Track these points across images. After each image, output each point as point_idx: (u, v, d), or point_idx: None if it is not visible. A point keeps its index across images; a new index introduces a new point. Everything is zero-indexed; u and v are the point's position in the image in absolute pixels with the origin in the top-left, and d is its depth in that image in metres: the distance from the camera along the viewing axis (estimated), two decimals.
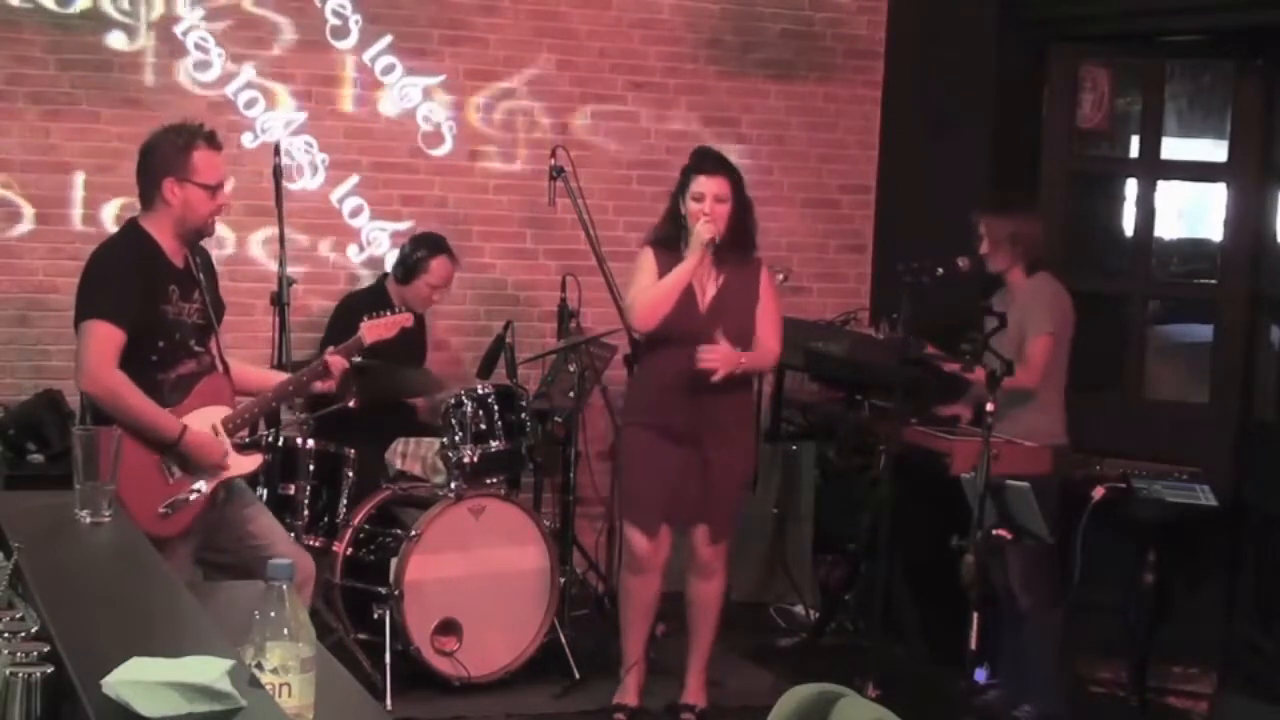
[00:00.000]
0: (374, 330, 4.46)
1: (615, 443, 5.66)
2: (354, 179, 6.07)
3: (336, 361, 4.27)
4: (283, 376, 4.26)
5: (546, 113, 6.30)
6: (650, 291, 4.59)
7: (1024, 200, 5.35)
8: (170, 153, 3.92)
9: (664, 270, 4.60)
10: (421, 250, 5.59)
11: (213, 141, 3.98)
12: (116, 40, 5.70)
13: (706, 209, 4.55)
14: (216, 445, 3.95)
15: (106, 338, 3.81)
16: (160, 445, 3.86)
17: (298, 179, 5.92)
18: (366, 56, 6.05)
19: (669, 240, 4.66)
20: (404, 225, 6.07)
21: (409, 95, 6.12)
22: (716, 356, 4.50)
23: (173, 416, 3.88)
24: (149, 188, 3.96)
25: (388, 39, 6.06)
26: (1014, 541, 4.55)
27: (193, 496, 3.91)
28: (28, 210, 5.67)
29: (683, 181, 4.64)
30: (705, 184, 4.58)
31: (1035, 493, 4.42)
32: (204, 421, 3.95)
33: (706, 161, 4.65)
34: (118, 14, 5.70)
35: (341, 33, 6.01)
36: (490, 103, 6.24)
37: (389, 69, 6.09)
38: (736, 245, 4.64)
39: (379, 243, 6.09)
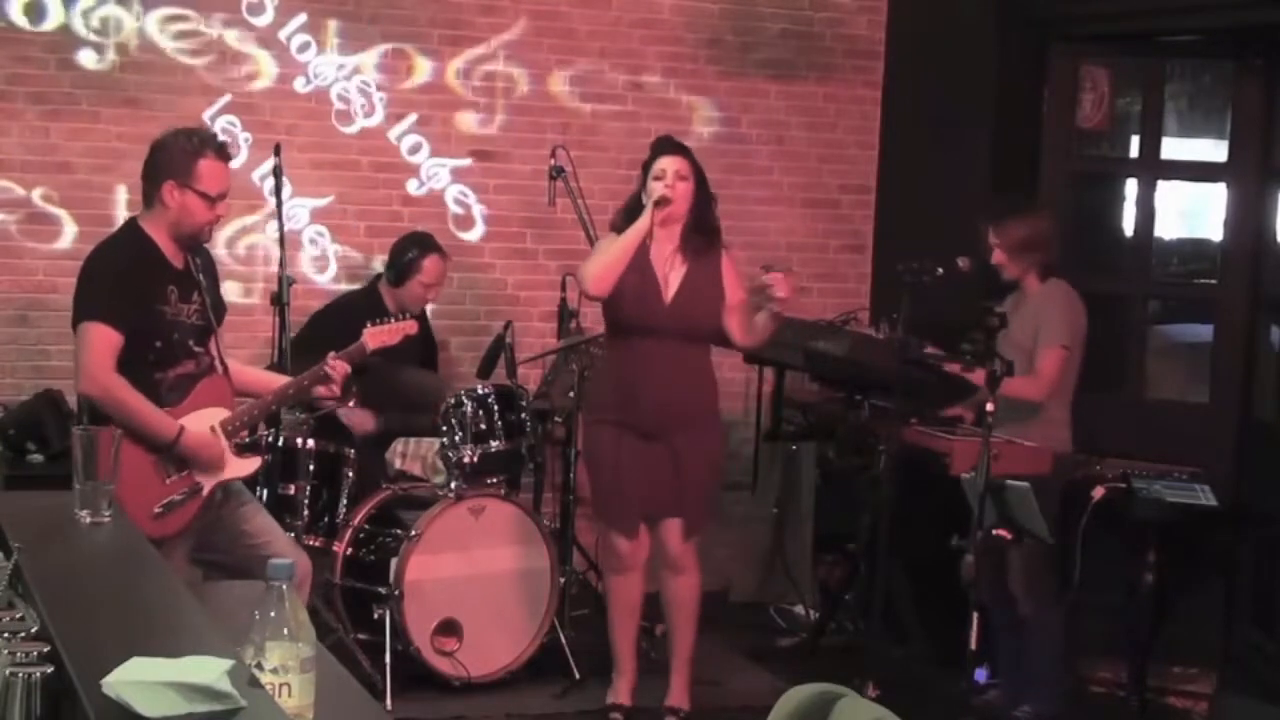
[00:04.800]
0: (377, 337, 4.44)
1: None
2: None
3: (339, 367, 4.23)
4: (281, 379, 4.25)
5: (546, 113, 6.30)
6: (601, 254, 4.55)
7: (1030, 203, 5.31)
8: (177, 155, 3.92)
9: None
10: (412, 250, 5.59)
11: (222, 152, 3.98)
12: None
13: (668, 182, 4.54)
14: (214, 443, 3.95)
15: (103, 340, 3.81)
16: (158, 447, 3.87)
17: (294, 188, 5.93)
18: (365, 57, 6.05)
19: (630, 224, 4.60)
20: (404, 225, 6.06)
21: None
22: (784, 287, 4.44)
23: (170, 418, 3.88)
24: (150, 187, 3.96)
25: (387, 38, 6.08)
26: (1014, 542, 4.55)
27: (188, 498, 3.91)
28: (29, 210, 5.68)
29: (645, 170, 4.63)
30: (666, 162, 4.58)
31: (1037, 496, 4.41)
32: (202, 423, 3.95)
33: (666, 144, 4.67)
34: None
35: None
36: (489, 103, 6.24)
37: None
38: (698, 233, 4.62)
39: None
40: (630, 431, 4.59)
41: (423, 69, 6.14)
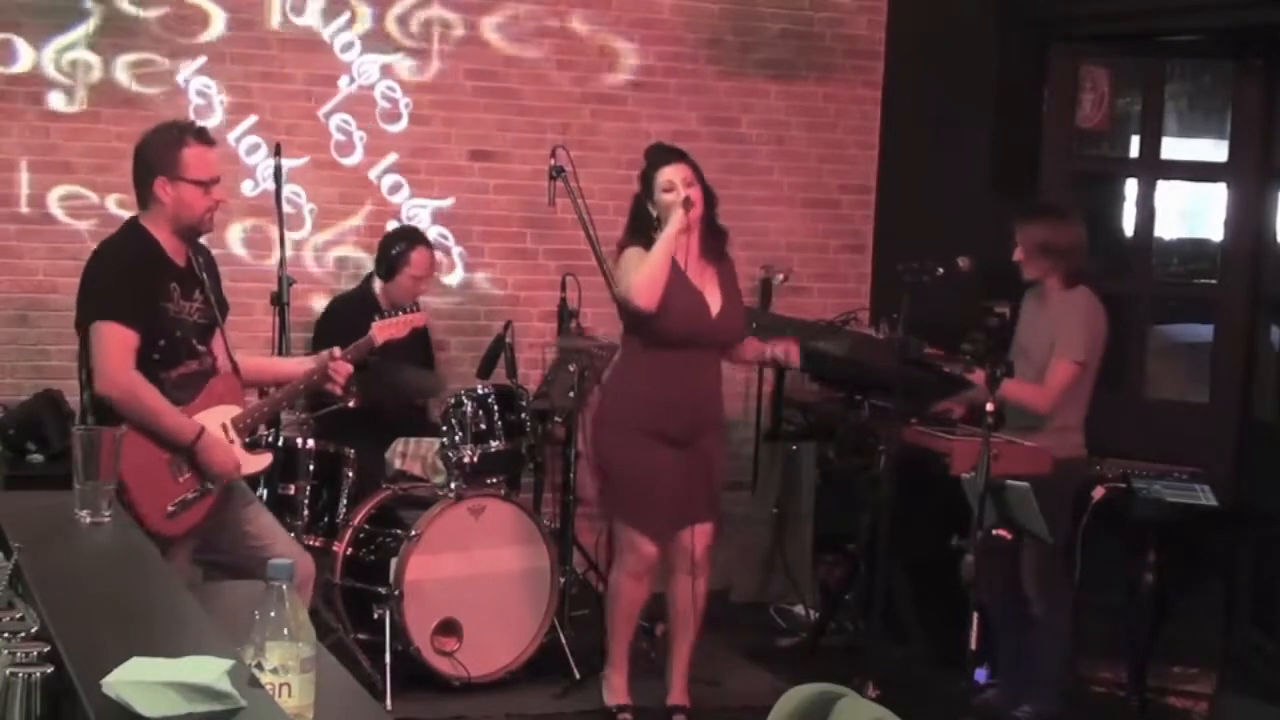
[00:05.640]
0: (385, 330, 4.45)
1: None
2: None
3: (342, 369, 4.23)
4: (292, 363, 4.26)
5: (546, 113, 6.30)
6: (642, 268, 4.50)
7: (1059, 209, 5.28)
8: (160, 151, 3.91)
9: None
10: (400, 244, 5.61)
11: (203, 137, 3.97)
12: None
13: (679, 193, 4.51)
14: (230, 451, 3.95)
15: (120, 339, 3.80)
16: (175, 447, 3.86)
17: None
18: (359, 57, 6.06)
19: (647, 238, 4.57)
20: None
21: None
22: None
23: (190, 419, 3.88)
24: (143, 188, 3.95)
25: (384, 39, 6.08)
26: (1014, 541, 4.55)
27: (201, 496, 3.91)
28: (29, 210, 5.68)
29: (646, 182, 4.60)
30: (670, 173, 4.56)
31: (1043, 498, 4.40)
32: (213, 421, 3.95)
33: (664, 153, 4.65)
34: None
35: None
36: (488, 103, 6.24)
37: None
38: (711, 235, 4.65)
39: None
40: (659, 439, 4.57)
41: (415, 67, 6.14)
